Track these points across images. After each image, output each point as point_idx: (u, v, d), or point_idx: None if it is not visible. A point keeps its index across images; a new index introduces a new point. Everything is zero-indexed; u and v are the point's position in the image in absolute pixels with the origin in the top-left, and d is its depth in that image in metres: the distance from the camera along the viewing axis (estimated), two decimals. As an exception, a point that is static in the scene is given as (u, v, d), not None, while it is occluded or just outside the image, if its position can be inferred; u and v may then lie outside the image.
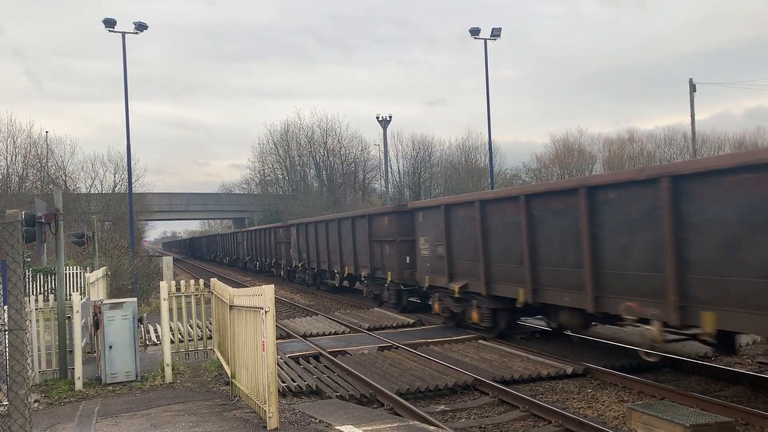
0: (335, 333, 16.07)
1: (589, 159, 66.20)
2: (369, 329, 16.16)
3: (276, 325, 14.21)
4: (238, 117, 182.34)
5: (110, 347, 10.84)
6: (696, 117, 39.41)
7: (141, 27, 32.77)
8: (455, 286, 14.52)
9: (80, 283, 24.19)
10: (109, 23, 32.30)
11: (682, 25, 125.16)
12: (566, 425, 8.14)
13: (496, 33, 38.60)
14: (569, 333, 12.69)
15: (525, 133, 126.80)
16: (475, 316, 14.11)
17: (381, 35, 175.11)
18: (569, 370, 10.80)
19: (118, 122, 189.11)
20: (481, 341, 13.75)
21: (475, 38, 38.57)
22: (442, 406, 9.47)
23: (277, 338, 14.67)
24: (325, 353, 13.07)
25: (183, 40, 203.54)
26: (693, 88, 38.84)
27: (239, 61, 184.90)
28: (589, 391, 9.90)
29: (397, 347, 13.50)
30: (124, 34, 32.73)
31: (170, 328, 11.69)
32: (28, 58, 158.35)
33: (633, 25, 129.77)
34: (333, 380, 10.93)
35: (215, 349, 11.99)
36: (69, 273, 24.73)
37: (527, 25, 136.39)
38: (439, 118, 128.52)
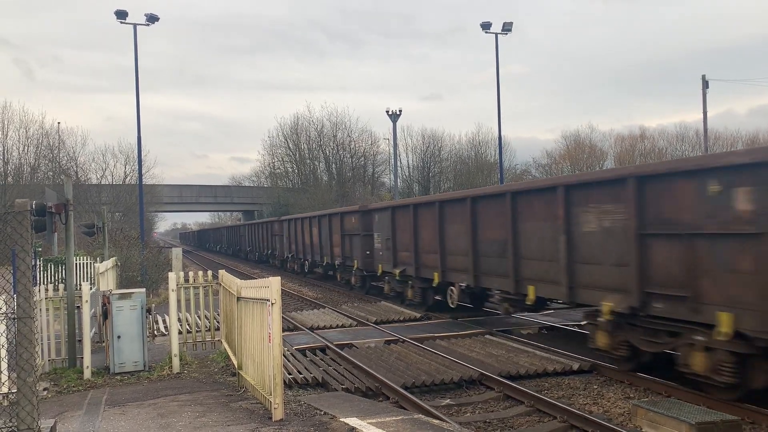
0: (342, 326, 16.12)
1: (600, 155, 65.95)
2: (376, 323, 16.20)
3: (283, 318, 14.27)
4: (244, 110, 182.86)
5: (119, 337, 10.92)
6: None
7: (152, 19, 32.83)
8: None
9: (90, 273, 24.36)
10: (121, 15, 32.39)
11: (683, 22, 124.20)
12: (571, 421, 8.14)
13: (507, 27, 38.41)
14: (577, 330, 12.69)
15: (526, 129, 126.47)
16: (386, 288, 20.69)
17: (390, 29, 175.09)
18: (575, 366, 10.78)
19: (124, 114, 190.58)
20: (488, 336, 13.76)
21: (486, 32, 38.39)
22: (448, 400, 9.49)
23: (285, 330, 14.73)
24: (332, 346, 13.11)
25: (191, 33, 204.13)
26: (705, 84, 38.45)
27: (248, 55, 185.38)
28: (595, 387, 9.89)
29: (403, 341, 13.52)
30: (135, 25, 32.84)
31: (178, 319, 11.76)
32: (33, 50, 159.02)
33: (635, 23, 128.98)
34: (339, 373, 10.96)
35: (223, 341, 12.06)
36: (79, 263, 24.90)
37: (531, 21, 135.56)
38: (447, 113, 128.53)
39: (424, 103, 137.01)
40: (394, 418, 7.52)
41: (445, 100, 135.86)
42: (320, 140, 66.60)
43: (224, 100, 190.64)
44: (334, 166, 66.26)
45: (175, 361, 11.01)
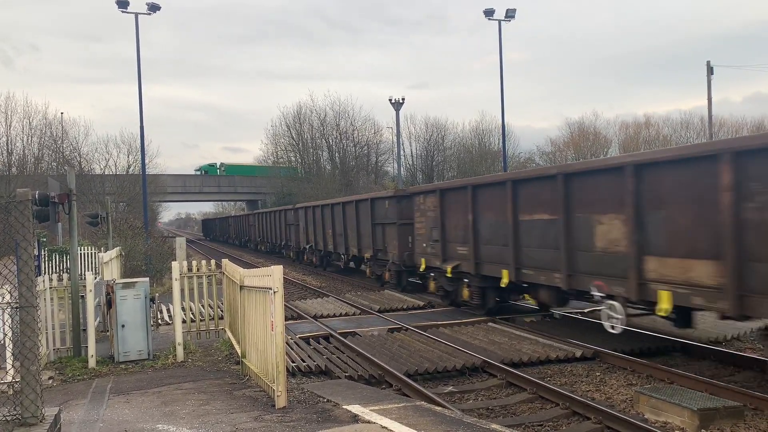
0: (346, 314, 16.17)
1: (605, 143, 65.65)
2: (379, 311, 16.24)
3: (287, 306, 14.30)
4: (239, 99, 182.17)
5: (123, 326, 10.97)
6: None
7: (154, 8, 32.73)
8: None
9: (94, 262, 24.47)
10: (122, 4, 32.29)
11: (679, 9, 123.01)
12: (573, 408, 8.16)
13: (510, 14, 38.17)
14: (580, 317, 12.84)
15: (521, 116, 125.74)
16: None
17: (390, 17, 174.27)
18: (578, 353, 10.80)
19: (120, 104, 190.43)
20: (490, 324, 13.78)
21: (489, 19, 38.16)
22: (450, 388, 9.52)
23: (288, 319, 14.78)
24: (336, 334, 13.15)
25: (189, 21, 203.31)
26: (710, 70, 38.18)
27: (246, 44, 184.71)
28: (598, 374, 9.91)
29: (406, 329, 13.56)
30: (137, 15, 32.74)
31: (182, 308, 11.80)
32: (16, 39, 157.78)
33: (627, 10, 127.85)
34: (342, 361, 11.01)
35: (226, 329, 12.11)
36: (83, 253, 24.99)
37: (527, 7, 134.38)
38: (449, 101, 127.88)
39: (426, 91, 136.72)
40: (396, 405, 7.56)
41: (446, 87, 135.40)
42: (323, 129, 66.30)
43: (220, 90, 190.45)
44: (337, 155, 66.07)
45: (179, 350, 11.07)
